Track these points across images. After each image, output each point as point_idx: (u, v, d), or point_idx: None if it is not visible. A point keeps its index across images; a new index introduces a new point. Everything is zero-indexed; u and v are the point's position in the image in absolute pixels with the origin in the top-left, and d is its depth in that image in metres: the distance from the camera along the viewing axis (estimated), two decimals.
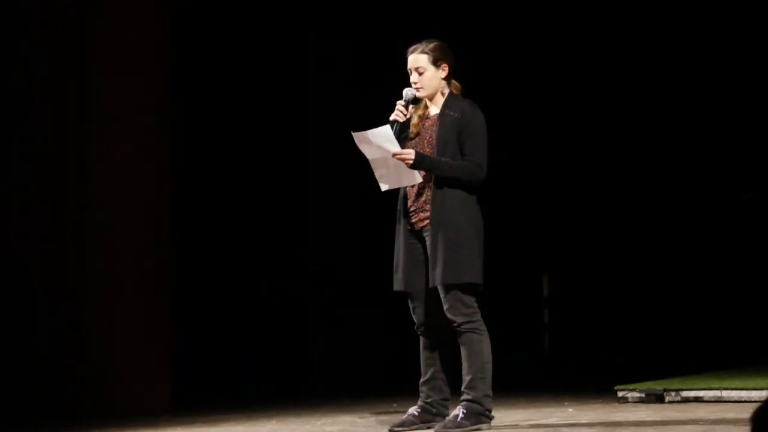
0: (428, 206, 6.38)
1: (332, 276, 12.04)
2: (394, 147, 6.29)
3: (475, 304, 6.36)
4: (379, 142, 6.30)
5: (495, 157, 6.50)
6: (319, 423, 7.47)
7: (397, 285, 6.52)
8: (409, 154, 6.28)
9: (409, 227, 6.48)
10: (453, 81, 6.54)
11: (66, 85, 9.25)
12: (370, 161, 6.40)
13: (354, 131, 6.31)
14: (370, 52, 12.07)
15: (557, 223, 12.95)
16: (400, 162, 6.30)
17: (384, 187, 6.45)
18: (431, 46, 6.47)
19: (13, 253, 9.17)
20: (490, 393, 6.40)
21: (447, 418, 6.38)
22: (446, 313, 6.32)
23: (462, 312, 6.31)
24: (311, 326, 11.98)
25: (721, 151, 12.70)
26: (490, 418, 6.39)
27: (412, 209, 6.47)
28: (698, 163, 12.78)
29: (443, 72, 6.47)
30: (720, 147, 12.68)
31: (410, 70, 6.49)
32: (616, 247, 12.79)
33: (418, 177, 6.36)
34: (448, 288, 6.29)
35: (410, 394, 7.01)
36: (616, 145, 12.90)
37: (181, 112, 9.92)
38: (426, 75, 6.45)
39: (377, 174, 6.42)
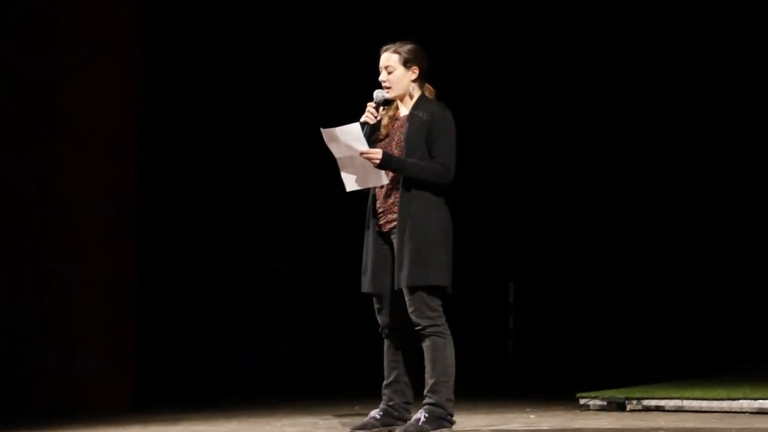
0: (396, 208, 6.39)
1: (296, 277, 12.03)
2: (362, 146, 6.31)
3: (440, 308, 6.37)
4: (347, 140, 6.31)
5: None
6: (279, 424, 7.48)
7: (365, 287, 6.53)
8: (377, 153, 6.29)
9: (377, 229, 6.50)
10: (427, 85, 6.57)
11: (34, 85, 9.22)
12: (338, 160, 6.41)
13: (323, 128, 6.32)
14: (342, 50, 12.05)
15: (525, 229, 12.97)
16: (367, 162, 6.31)
17: (349, 188, 6.45)
18: (404, 47, 6.50)
19: None
20: (453, 397, 6.42)
21: (408, 421, 6.40)
22: (411, 315, 6.33)
23: (427, 315, 6.32)
24: (274, 327, 11.97)
25: (693, 158, 12.74)
26: (452, 423, 6.41)
27: (380, 210, 6.49)
28: (669, 170, 12.79)
29: (413, 74, 6.49)
30: (693, 153, 12.72)
31: (381, 68, 6.52)
32: (584, 255, 12.81)
33: (384, 178, 6.36)
34: (414, 290, 6.30)
35: (373, 396, 6.99)
36: (587, 152, 12.89)
37: (149, 110, 9.90)
38: (395, 75, 6.47)
39: (343, 174, 6.43)
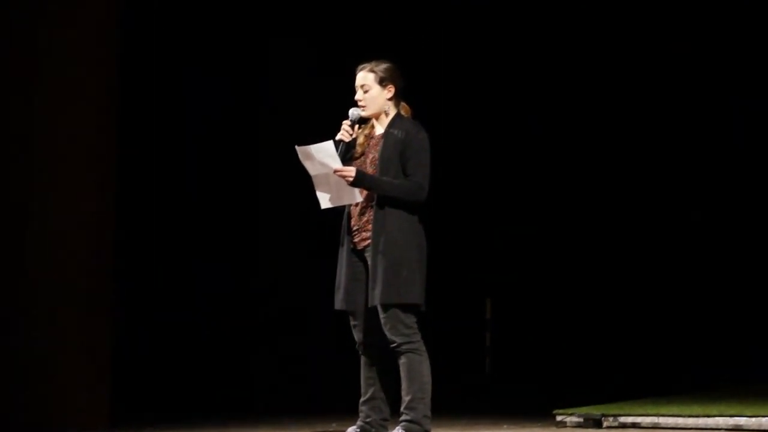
0: (370, 226, 6.40)
1: (275, 295, 12.03)
2: (336, 163, 6.32)
3: (415, 325, 6.38)
4: (321, 158, 6.32)
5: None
6: None
7: (338, 304, 6.53)
8: (350, 171, 6.31)
9: (351, 246, 6.51)
10: (402, 103, 6.59)
11: (11, 88, 9.18)
12: (312, 177, 6.42)
13: (298, 146, 6.33)
14: (322, 67, 12.08)
15: (502, 246, 13.01)
16: (341, 180, 6.33)
17: (324, 205, 6.47)
18: (380, 66, 6.53)
19: None
20: (429, 414, 6.42)
21: None
22: (386, 333, 6.33)
23: (402, 332, 6.33)
24: (252, 345, 11.95)
25: (671, 174, 12.82)
26: None
27: (354, 228, 6.50)
28: (647, 186, 12.88)
29: (388, 93, 6.52)
30: (670, 169, 12.80)
31: (357, 87, 6.54)
32: (560, 272, 12.86)
33: (358, 196, 6.38)
34: (388, 308, 6.31)
35: (350, 413, 7.00)
36: (564, 171, 12.99)
37: (128, 121, 9.92)
38: (370, 93, 6.50)
39: (318, 191, 6.44)
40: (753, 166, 12.55)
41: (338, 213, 6.59)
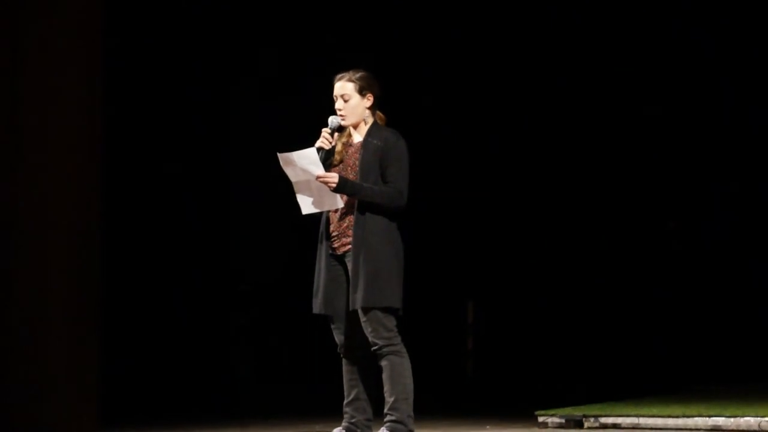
0: (351, 231, 6.47)
1: (258, 297, 12.04)
2: (318, 170, 6.38)
3: (395, 328, 6.46)
4: (303, 165, 6.38)
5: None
6: None
7: (316, 308, 6.59)
8: (333, 177, 6.37)
9: (331, 251, 6.57)
10: (378, 111, 6.66)
11: None
12: (293, 183, 6.48)
13: (280, 152, 6.38)
14: (298, 72, 12.11)
15: (483, 249, 13.06)
16: (322, 185, 6.39)
17: (305, 210, 6.53)
18: (358, 75, 6.59)
19: None
20: (412, 414, 6.49)
21: None
22: (368, 335, 6.41)
23: (383, 335, 6.41)
24: (236, 347, 11.97)
25: (647, 183, 12.90)
26: None
27: (334, 234, 6.56)
28: (625, 192, 12.94)
29: (368, 101, 6.59)
30: (647, 179, 12.87)
31: (336, 96, 6.59)
32: (542, 275, 12.91)
33: (339, 201, 6.45)
34: (369, 311, 6.39)
35: (334, 414, 7.03)
36: (544, 174, 13.03)
37: (113, 119, 9.90)
38: (351, 103, 6.55)
39: (299, 197, 6.50)
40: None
41: (317, 218, 6.64)
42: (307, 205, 6.50)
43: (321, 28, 12.31)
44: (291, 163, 6.40)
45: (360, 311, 6.40)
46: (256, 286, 12.08)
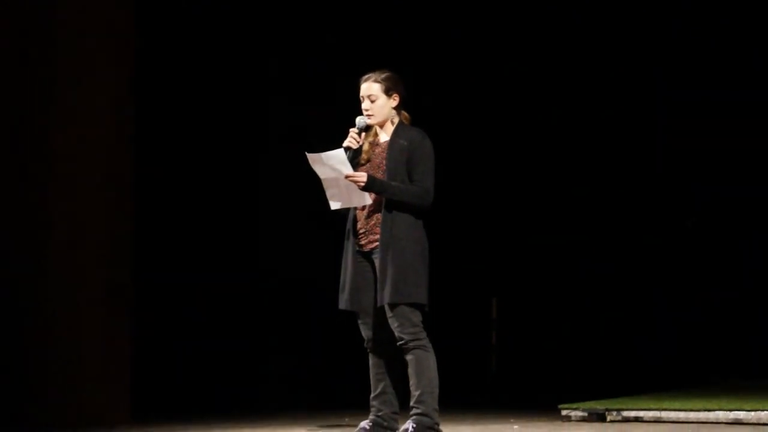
0: (378, 228, 6.57)
1: (288, 291, 12.08)
2: (347, 169, 6.49)
3: (421, 323, 6.55)
4: (332, 164, 6.49)
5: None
6: None
7: (343, 304, 6.70)
8: (362, 176, 6.48)
9: (358, 248, 6.67)
10: (403, 111, 6.77)
11: (32, 84, 9.25)
12: (322, 180, 6.59)
13: (308, 152, 6.49)
14: (328, 73, 12.14)
15: (506, 249, 13.10)
16: (351, 183, 6.50)
17: (334, 206, 6.63)
18: (384, 75, 6.70)
19: None
20: (438, 407, 6.58)
21: (397, 431, 6.58)
22: (395, 330, 6.51)
23: (409, 330, 6.51)
24: (268, 342, 12.02)
25: (667, 182, 12.95)
26: None
27: (361, 231, 6.66)
28: (646, 192, 12.97)
29: (394, 101, 6.70)
30: (667, 179, 12.93)
31: (363, 97, 6.70)
32: (563, 273, 12.93)
33: (368, 198, 6.55)
34: (396, 307, 6.49)
35: (362, 408, 7.14)
36: (566, 172, 13.05)
37: (144, 121, 9.98)
38: (377, 103, 6.67)
39: (328, 193, 6.60)
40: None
41: (343, 215, 6.75)
42: (335, 201, 6.61)
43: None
44: (320, 162, 6.50)
45: (387, 307, 6.50)
46: (283, 280, 12.12)
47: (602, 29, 12.89)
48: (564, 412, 8.37)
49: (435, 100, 11.92)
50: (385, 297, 6.49)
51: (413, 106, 6.86)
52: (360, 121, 6.68)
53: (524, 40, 13.04)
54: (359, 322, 6.73)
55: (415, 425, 6.49)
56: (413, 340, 6.52)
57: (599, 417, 8.21)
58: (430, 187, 6.59)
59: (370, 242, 6.63)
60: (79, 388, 9.04)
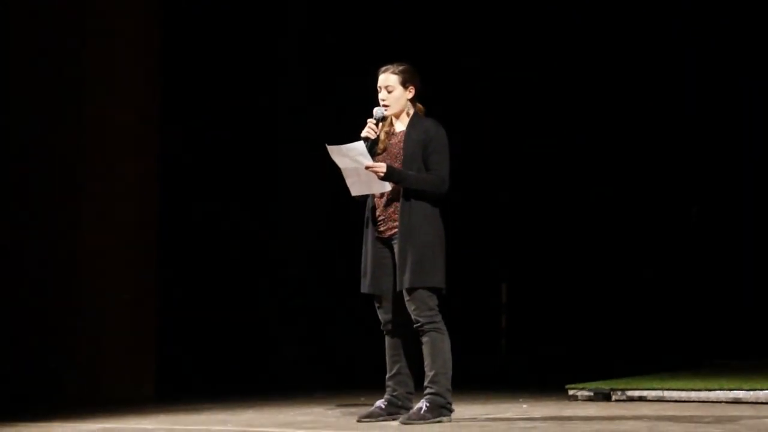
0: (397, 216, 6.74)
1: (306, 276, 12.14)
2: (367, 160, 6.65)
3: (437, 307, 6.73)
4: (352, 156, 6.65)
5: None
6: (292, 413, 7.73)
7: (365, 288, 6.86)
8: (381, 167, 6.65)
9: (377, 234, 6.84)
10: (417, 103, 6.94)
11: (60, 91, 9.46)
12: (342, 170, 6.74)
13: (328, 144, 6.67)
14: (342, 67, 12.23)
15: (516, 236, 13.25)
16: (370, 173, 6.68)
17: (354, 193, 6.81)
18: (401, 68, 6.87)
19: (2, 248, 9.38)
20: (451, 388, 6.75)
21: (411, 410, 6.74)
22: (411, 314, 6.68)
23: (425, 313, 6.68)
24: (282, 324, 12.10)
25: (673, 170, 13.08)
26: (451, 411, 6.76)
27: (380, 218, 6.84)
28: (651, 179, 13.10)
29: (410, 93, 6.87)
30: (672, 166, 13.06)
31: (380, 87, 6.87)
32: (571, 258, 13.06)
33: (387, 185, 6.73)
34: (414, 291, 6.66)
35: (377, 388, 7.28)
36: (576, 161, 13.03)
37: (170, 115, 10.13)
38: (394, 94, 6.84)
39: (348, 181, 6.77)
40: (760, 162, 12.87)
41: (362, 202, 6.92)
42: (355, 188, 6.78)
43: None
44: (340, 154, 6.67)
45: (405, 291, 6.66)
46: (302, 266, 12.27)
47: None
48: (571, 392, 8.49)
49: (445, 85, 11.80)
50: (405, 282, 6.65)
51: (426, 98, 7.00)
52: (377, 111, 6.83)
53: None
54: (377, 305, 6.90)
55: (428, 404, 6.65)
56: (429, 323, 6.68)
57: (605, 396, 8.34)
58: (445, 176, 6.75)
59: (390, 229, 6.79)
60: (107, 368, 9.23)
